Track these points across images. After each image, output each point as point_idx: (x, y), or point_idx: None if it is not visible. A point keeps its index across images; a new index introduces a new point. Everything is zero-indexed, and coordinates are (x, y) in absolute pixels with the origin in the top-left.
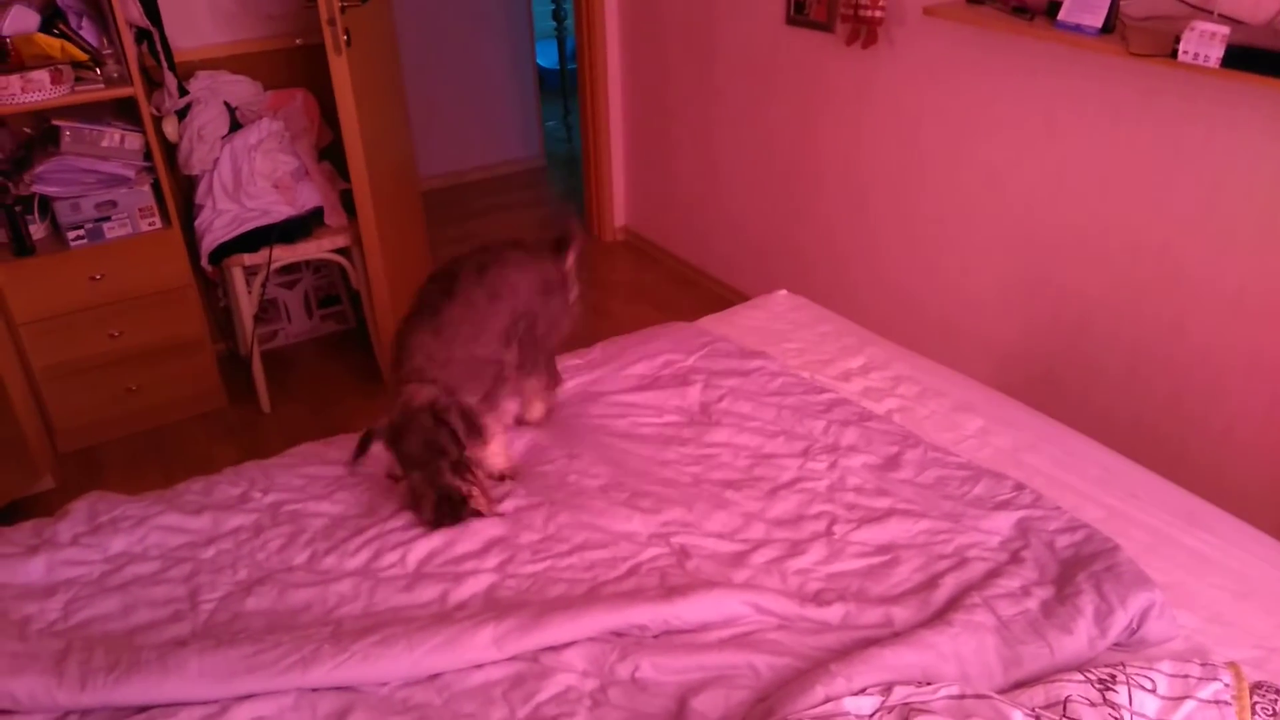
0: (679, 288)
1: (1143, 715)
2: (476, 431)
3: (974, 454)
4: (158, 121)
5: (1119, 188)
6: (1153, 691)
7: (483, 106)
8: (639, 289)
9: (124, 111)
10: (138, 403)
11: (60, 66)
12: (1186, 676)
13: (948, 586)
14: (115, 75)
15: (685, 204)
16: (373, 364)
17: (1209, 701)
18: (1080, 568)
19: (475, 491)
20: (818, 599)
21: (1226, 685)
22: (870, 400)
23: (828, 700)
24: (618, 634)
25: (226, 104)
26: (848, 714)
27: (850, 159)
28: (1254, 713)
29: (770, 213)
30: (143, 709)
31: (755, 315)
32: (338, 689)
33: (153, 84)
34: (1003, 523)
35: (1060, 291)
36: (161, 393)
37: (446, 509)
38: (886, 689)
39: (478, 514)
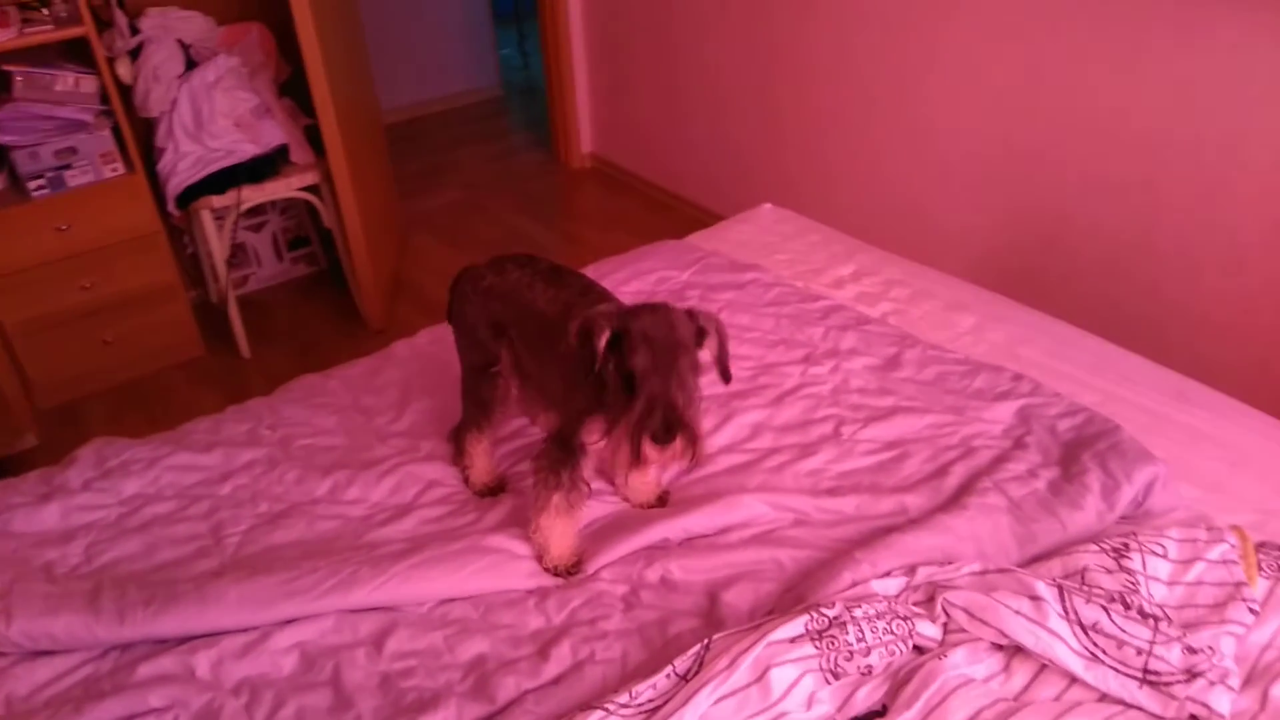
0: (654, 213)
1: (1156, 578)
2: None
3: (970, 350)
4: (111, 63)
5: (1097, 76)
6: (1164, 556)
7: (434, 36)
8: (612, 217)
9: (75, 54)
10: (115, 354)
11: (5, 7)
12: (1195, 540)
13: (957, 474)
14: (64, 15)
15: (655, 126)
16: (350, 304)
17: (1217, 562)
18: (1084, 448)
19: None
20: (831, 494)
21: (1233, 546)
22: (865, 305)
23: (855, 585)
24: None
25: (180, 42)
26: (875, 595)
27: (829, 69)
28: (1260, 569)
29: (742, 130)
30: (184, 640)
31: (743, 229)
32: (377, 610)
33: (102, 24)
34: (1004, 412)
35: (1040, 186)
36: (138, 343)
37: (661, 428)
38: (910, 570)
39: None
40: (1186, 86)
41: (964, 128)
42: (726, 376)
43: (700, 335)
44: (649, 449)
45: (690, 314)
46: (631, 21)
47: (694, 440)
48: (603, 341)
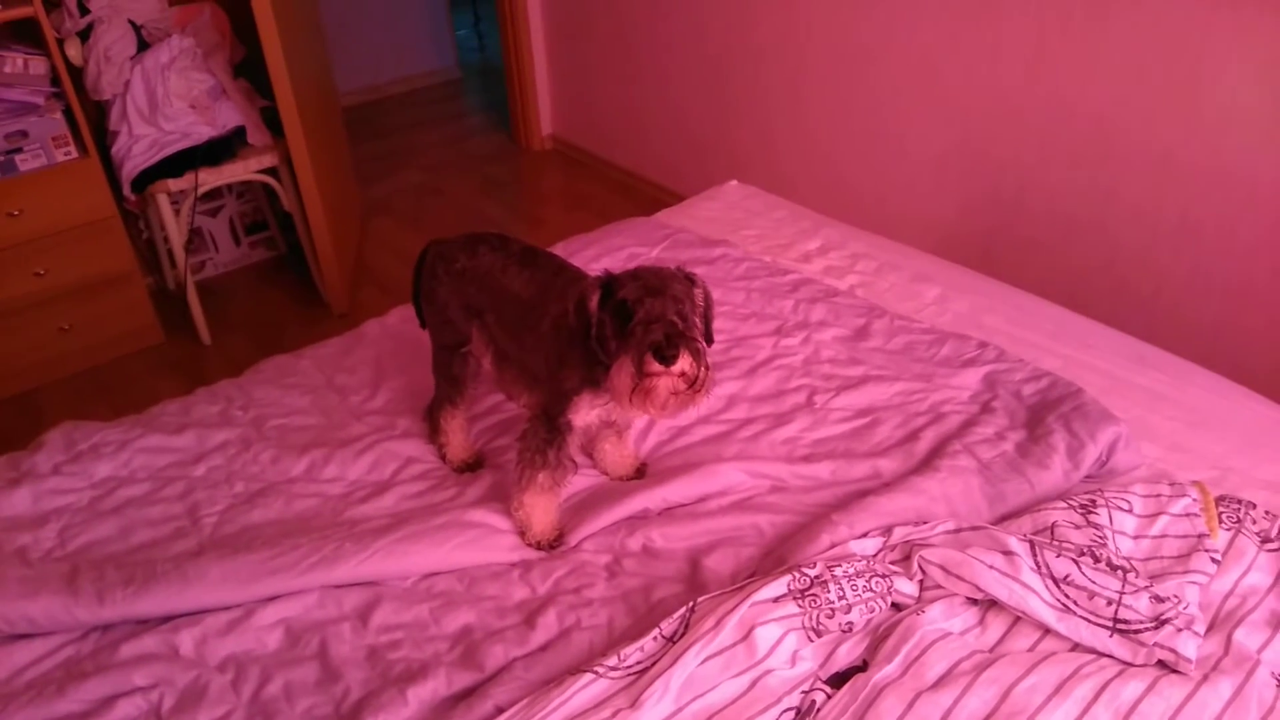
0: (616, 194)
1: (1123, 532)
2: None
3: (936, 319)
4: (61, 44)
5: (1052, 57)
6: (1130, 511)
7: (390, 17)
8: (574, 197)
9: (22, 34)
10: (72, 342)
11: None
12: (1159, 495)
13: (928, 439)
14: None
15: (617, 108)
16: (311, 289)
17: (1180, 515)
18: (1049, 410)
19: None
20: (807, 461)
21: (1194, 500)
22: (832, 278)
23: (833, 546)
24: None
25: (131, 22)
26: (854, 555)
27: (785, 46)
28: (1220, 521)
29: (705, 109)
30: (165, 619)
31: (710, 206)
32: (361, 585)
33: (50, 3)
34: (971, 378)
35: (996, 167)
36: (96, 331)
37: (663, 340)
38: (886, 531)
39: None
40: (1141, 60)
41: (921, 106)
42: (709, 336)
43: (689, 283)
44: (654, 368)
45: (677, 269)
46: (589, 2)
47: (698, 354)
48: (595, 301)
